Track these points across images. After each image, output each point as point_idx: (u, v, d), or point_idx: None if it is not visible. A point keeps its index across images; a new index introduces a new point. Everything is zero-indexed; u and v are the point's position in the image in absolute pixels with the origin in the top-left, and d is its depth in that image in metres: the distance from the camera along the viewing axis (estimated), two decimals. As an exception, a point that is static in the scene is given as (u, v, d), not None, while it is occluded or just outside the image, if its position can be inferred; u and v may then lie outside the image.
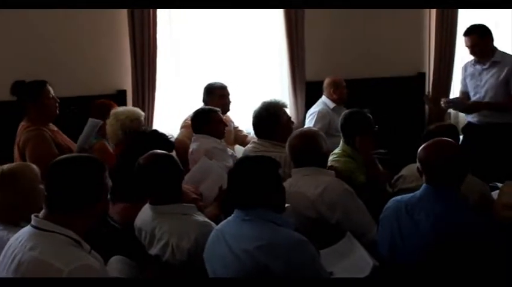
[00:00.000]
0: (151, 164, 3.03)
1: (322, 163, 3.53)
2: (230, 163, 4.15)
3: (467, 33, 5.27)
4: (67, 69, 5.30)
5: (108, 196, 2.44)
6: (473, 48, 5.23)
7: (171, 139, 3.80)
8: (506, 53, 5.26)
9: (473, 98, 5.41)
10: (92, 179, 2.33)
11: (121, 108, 4.55)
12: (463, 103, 5.43)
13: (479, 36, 5.19)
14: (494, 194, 3.58)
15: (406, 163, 3.95)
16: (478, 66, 5.30)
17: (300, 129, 4.11)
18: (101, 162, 2.46)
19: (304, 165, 3.47)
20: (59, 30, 5.27)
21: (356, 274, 2.77)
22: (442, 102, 5.51)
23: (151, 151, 3.16)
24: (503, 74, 5.13)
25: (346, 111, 4.19)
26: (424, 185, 2.91)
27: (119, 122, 4.31)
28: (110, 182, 2.43)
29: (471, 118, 5.46)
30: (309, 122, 5.73)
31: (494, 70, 5.19)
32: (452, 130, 3.88)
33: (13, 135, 4.40)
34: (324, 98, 5.83)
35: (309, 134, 3.58)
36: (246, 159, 2.89)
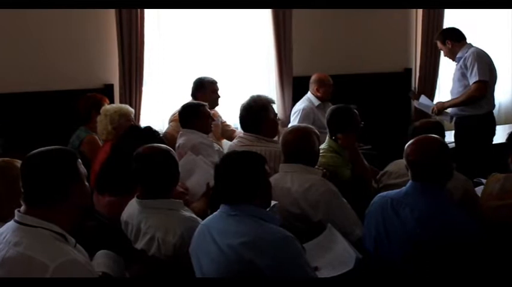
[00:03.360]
0: (152, 155, 3.02)
1: (313, 161, 3.55)
2: (216, 158, 4.16)
3: (435, 39, 5.66)
4: (54, 63, 5.31)
5: (86, 183, 2.44)
6: (442, 51, 5.62)
7: (162, 137, 3.81)
8: (471, 47, 5.38)
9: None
10: (65, 170, 2.32)
11: (110, 105, 4.62)
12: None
13: (441, 42, 5.49)
14: (478, 189, 3.62)
15: (392, 159, 3.98)
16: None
17: (296, 125, 4.13)
18: (71, 151, 2.47)
19: (294, 161, 3.48)
20: (47, 24, 5.26)
21: (341, 267, 2.80)
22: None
23: (154, 144, 3.17)
24: (459, 65, 5.33)
25: (333, 106, 4.21)
26: (410, 181, 2.95)
27: (108, 117, 4.34)
28: (83, 169, 2.42)
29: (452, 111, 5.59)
30: (293, 120, 5.72)
31: (458, 64, 5.40)
32: (438, 127, 3.91)
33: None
34: (309, 94, 5.82)
35: (304, 131, 3.59)
36: (232, 154, 2.88)
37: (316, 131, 3.63)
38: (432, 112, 5.66)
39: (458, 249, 2.70)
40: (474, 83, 5.21)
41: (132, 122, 4.46)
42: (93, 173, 3.88)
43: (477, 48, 5.36)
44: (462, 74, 5.31)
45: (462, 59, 5.30)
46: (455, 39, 5.42)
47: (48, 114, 5.20)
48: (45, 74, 5.22)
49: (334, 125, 4.05)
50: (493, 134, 5.43)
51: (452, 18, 6.95)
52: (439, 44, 5.54)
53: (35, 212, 2.28)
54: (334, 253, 2.93)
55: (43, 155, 2.34)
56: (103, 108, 4.49)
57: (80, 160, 2.42)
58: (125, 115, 4.38)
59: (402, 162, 3.03)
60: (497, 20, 7.34)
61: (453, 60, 5.48)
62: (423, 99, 5.93)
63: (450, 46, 5.42)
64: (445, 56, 5.61)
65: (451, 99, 5.48)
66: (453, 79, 5.52)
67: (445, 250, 2.71)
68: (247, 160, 2.70)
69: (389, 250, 2.90)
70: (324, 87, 5.76)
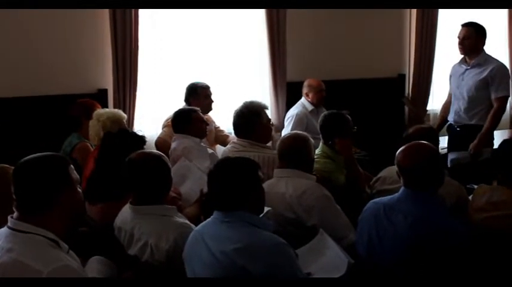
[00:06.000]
0: (145, 161, 3.02)
1: (308, 168, 3.57)
2: (208, 163, 4.17)
3: (465, 24, 5.27)
4: (48, 67, 5.29)
5: (79, 188, 2.44)
6: (463, 41, 5.21)
7: (141, 134, 3.80)
8: (491, 57, 5.27)
9: (453, 97, 5.43)
10: (56, 177, 2.32)
11: (103, 110, 4.57)
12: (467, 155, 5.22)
13: (476, 31, 5.20)
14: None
15: (386, 164, 3.98)
16: (463, 66, 5.31)
17: (294, 131, 4.17)
18: (63, 157, 2.48)
19: (290, 166, 3.50)
20: (40, 28, 5.24)
21: (333, 272, 2.80)
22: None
23: (145, 150, 3.17)
24: (484, 74, 5.13)
25: (326, 112, 4.23)
26: (402, 187, 2.95)
27: (100, 123, 4.30)
28: (76, 175, 2.43)
29: (451, 118, 5.49)
30: (287, 125, 5.74)
31: (476, 71, 5.19)
32: (432, 133, 3.91)
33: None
34: (303, 99, 5.83)
35: (302, 138, 3.62)
36: (225, 160, 2.88)
37: (312, 140, 3.66)
38: (472, 159, 5.16)
39: (451, 254, 2.71)
40: (499, 97, 5.11)
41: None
42: (84, 180, 3.86)
43: (501, 61, 5.27)
44: (486, 84, 5.13)
45: (487, 71, 5.11)
46: (484, 43, 5.26)
47: (41, 119, 5.18)
48: (38, 78, 5.20)
49: (326, 131, 4.06)
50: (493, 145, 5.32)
51: (445, 24, 6.98)
52: (468, 31, 5.20)
53: (28, 219, 2.28)
54: (326, 258, 2.94)
55: (34, 162, 2.34)
56: (96, 112, 4.45)
57: (72, 166, 2.42)
58: (117, 122, 4.34)
59: (396, 168, 3.04)
60: (492, 24, 7.32)
61: (467, 52, 5.24)
62: (452, 155, 5.32)
63: (479, 43, 5.21)
64: (462, 44, 5.23)
65: (481, 133, 5.12)
66: (461, 85, 5.30)
67: (438, 256, 2.72)
68: (240, 167, 2.71)
69: (382, 256, 2.91)
70: (313, 92, 5.76)
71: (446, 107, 5.58)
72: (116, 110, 4.70)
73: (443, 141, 5.58)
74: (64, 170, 2.36)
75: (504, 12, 7.50)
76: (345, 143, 4.00)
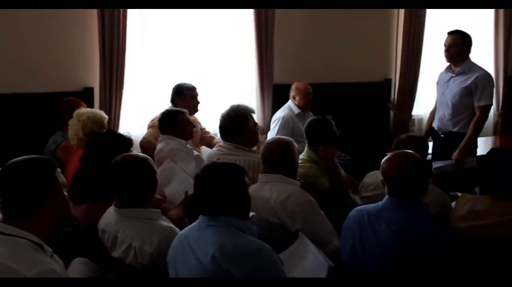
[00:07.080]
0: (130, 164, 3.02)
1: (292, 173, 3.58)
2: (193, 165, 4.17)
3: (452, 32, 5.30)
4: (35, 65, 5.25)
5: (65, 192, 2.44)
6: (449, 48, 5.24)
7: (129, 136, 3.79)
8: (475, 65, 5.29)
9: (438, 104, 5.47)
10: (43, 180, 2.33)
11: (84, 109, 4.52)
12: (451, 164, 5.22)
13: (462, 39, 5.23)
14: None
15: (370, 169, 4.00)
16: (449, 73, 5.33)
17: (277, 136, 4.20)
18: (50, 160, 2.48)
19: (274, 171, 3.52)
20: (27, 26, 5.20)
21: (314, 276, 2.81)
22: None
23: (131, 153, 3.17)
24: (468, 82, 5.15)
25: (311, 118, 4.26)
26: (386, 196, 2.96)
27: (80, 123, 4.25)
28: (62, 179, 2.43)
29: (435, 125, 5.52)
30: (273, 128, 5.74)
31: (460, 78, 5.22)
32: (422, 142, 3.93)
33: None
34: (290, 102, 5.83)
35: (285, 143, 3.63)
36: (213, 166, 2.89)
37: (296, 146, 3.67)
38: (455, 168, 5.16)
39: (435, 263, 2.72)
40: (481, 106, 5.12)
41: (105, 130, 4.35)
42: (67, 181, 3.84)
43: (485, 70, 5.28)
44: (469, 92, 5.15)
45: (472, 79, 5.13)
46: (470, 51, 5.28)
47: (27, 117, 5.15)
48: (25, 76, 5.17)
49: (312, 138, 4.09)
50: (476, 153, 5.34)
51: (432, 30, 7.02)
52: (455, 39, 5.22)
53: (13, 221, 2.27)
54: (307, 263, 2.95)
55: (22, 165, 2.34)
56: (76, 111, 4.40)
57: (58, 169, 2.42)
58: (97, 122, 4.29)
59: (378, 173, 3.05)
60: (478, 29, 7.35)
61: (452, 60, 5.27)
62: (436, 163, 5.24)
63: (465, 51, 5.23)
64: (448, 52, 5.25)
65: (463, 142, 5.14)
66: (446, 92, 5.33)
67: (422, 264, 2.73)
68: (227, 172, 2.72)
69: (365, 263, 2.92)
70: (300, 96, 5.76)
71: (434, 114, 5.59)
72: (98, 110, 4.66)
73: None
74: (51, 173, 2.37)
75: (490, 16, 7.55)
76: (328, 150, 4.03)
